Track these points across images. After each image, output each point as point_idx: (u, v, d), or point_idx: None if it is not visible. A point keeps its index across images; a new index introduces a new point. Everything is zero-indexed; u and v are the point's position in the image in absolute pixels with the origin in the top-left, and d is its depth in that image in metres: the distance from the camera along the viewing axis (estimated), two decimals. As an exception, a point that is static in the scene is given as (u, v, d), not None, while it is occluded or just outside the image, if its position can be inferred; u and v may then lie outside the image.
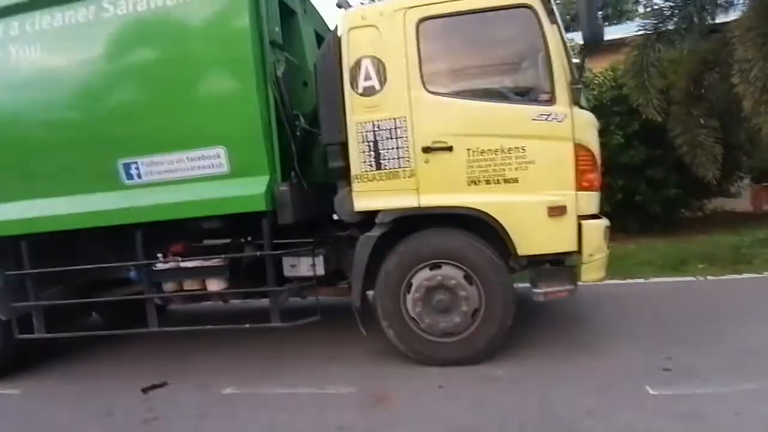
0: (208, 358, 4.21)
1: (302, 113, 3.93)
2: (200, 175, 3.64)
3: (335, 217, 3.89)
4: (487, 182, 3.32)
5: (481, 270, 3.37)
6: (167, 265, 3.87)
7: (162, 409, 3.33)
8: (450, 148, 3.31)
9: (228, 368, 3.94)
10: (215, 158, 3.62)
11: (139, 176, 3.71)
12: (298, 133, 3.83)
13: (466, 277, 3.40)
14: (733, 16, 7.02)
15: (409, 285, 3.47)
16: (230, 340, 4.38)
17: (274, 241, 3.69)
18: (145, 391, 3.61)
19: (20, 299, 3.96)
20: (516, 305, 3.47)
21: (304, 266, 3.81)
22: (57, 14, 3.69)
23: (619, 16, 19.52)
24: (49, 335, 4.05)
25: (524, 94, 3.50)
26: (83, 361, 4.51)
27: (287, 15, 3.98)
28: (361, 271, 3.48)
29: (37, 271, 3.95)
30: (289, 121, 3.73)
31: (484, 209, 3.33)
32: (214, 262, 3.81)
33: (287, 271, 3.87)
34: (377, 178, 3.44)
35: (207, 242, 4.13)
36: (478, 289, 3.39)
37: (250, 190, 3.53)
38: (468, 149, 3.30)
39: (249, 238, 3.96)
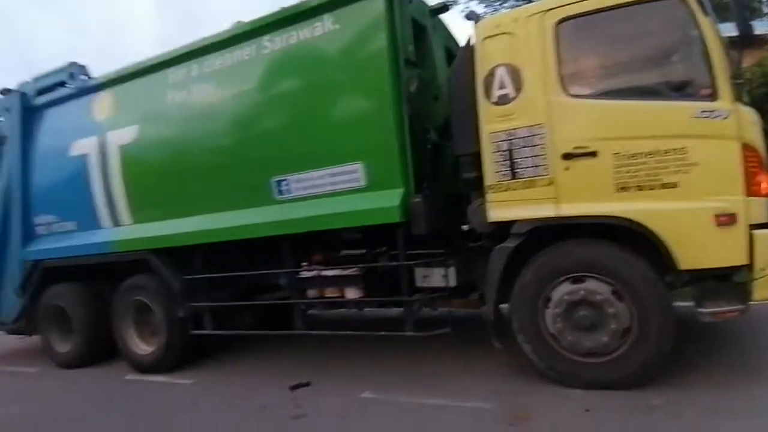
0: (346, 361, 4.46)
1: (433, 126, 4.02)
2: (340, 189, 3.91)
3: (467, 228, 3.88)
4: (639, 188, 3.03)
5: (633, 285, 3.07)
6: (311, 273, 4.21)
7: (308, 407, 3.59)
8: (594, 154, 3.10)
9: (365, 373, 4.12)
10: (353, 173, 3.87)
11: (288, 192, 4.12)
12: (429, 146, 3.93)
13: (615, 292, 3.12)
14: None
15: (548, 299, 3.29)
16: (366, 346, 4.58)
17: (408, 252, 3.80)
18: (292, 388, 3.94)
19: (194, 300, 4.62)
20: (675, 326, 3.09)
21: (436, 277, 3.86)
22: (227, 55, 4.32)
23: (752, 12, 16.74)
24: (215, 332, 4.66)
25: (679, 91, 3.16)
26: (241, 357, 5.08)
27: (418, 31, 4.14)
28: (495, 283, 3.40)
29: (207, 276, 4.59)
30: (421, 135, 3.85)
31: (637, 218, 3.03)
32: (352, 271, 4.04)
33: (420, 282, 3.95)
34: (512, 187, 3.36)
35: (345, 252, 4.42)
36: (629, 306, 3.09)
37: (386, 202, 3.69)
38: (615, 153, 3.05)
39: (383, 249, 4.14)
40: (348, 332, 4.11)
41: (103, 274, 5.33)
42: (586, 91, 3.28)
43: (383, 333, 3.89)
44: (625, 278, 3.09)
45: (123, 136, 4.91)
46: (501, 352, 3.56)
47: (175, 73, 4.63)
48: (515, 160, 3.33)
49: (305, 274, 4.21)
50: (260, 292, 4.85)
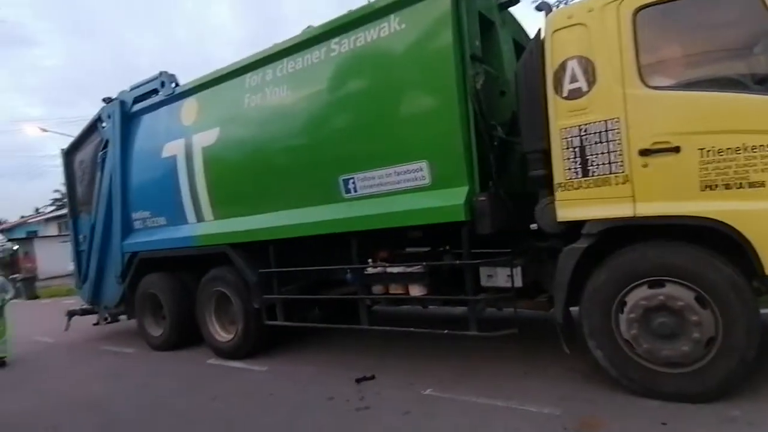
0: (409, 357, 4.52)
1: (499, 123, 3.94)
2: (405, 187, 3.96)
3: (534, 227, 3.76)
4: (727, 187, 2.77)
5: (719, 292, 2.82)
6: (376, 270, 4.31)
7: (372, 400, 3.70)
8: (676, 149, 2.88)
9: (427, 370, 4.15)
10: (418, 171, 3.90)
11: (355, 190, 4.24)
12: (495, 143, 3.85)
13: (698, 299, 2.89)
14: None
15: (623, 303, 3.12)
16: (429, 344, 4.61)
17: (473, 251, 3.76)
18: (358, 381, 4.06)
19: (267, 292, 4.91)
20: (761, 335, 2.82)
21: (501, 277, 3.79)
22: (299, 59, 4.53)
23: None
24: (287, 323, 4.91)
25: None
26: (310, 349, 5.32)
27: (486, 26, 4.07)
28: (565, 285, 3.27)
29: (280, 270, 4.85)
30: (488, 132, 3.79)
31: (723, 219, 2.78)
32: (416, 268, 4.08)
33: (484, 281, 3.90)
34: (583, 185, 3.21)
35: (409, 250, 4.47)
36: (714, 314, 2.85)
37: (451, 200, 3.68)
38: (701, 149, 2.81)
39: (448, 247, 4.13)
40: (411, 329, 4.14)
41: (190, 266, 5.82)
42: (668, 83, 3.04)
43: (446, 331, 3.89)
44: (711, 284, 2.85)
45: (206, 138, 5.32)
46: (569, 356, 3.43)
47: (251, 78, 4.93)
48: (587, 157, 3.18)
49: (370, 270, 4.31)
50: (329, 287, 5.04)
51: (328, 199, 4.41)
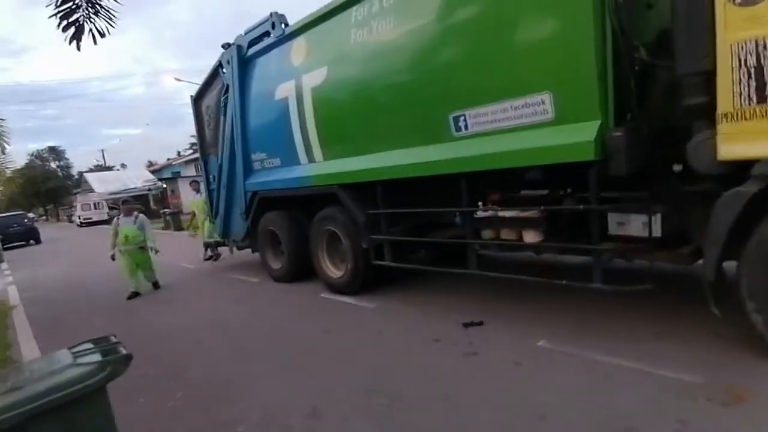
0: (521, 307, 4.30)
1: (642, 43, 3.27)
2: (524, 123, 3.55)
3: (678, 168, 3.16)
4: None
5: None
6: (486, 214, 4.05)
7: (480, 347, 3.59)
8: None
9: (540, 321, 3.90)
10: (539, 105, 3.45)
11: (466, 128, 3.93)
12: (636, 68, 3.23)
13: None
14: None
15: (798, 262, 2.52)
16: (542, 293, 4.33)
17: (601, 195, 3.31)
18: (465, 326, 3.97)
19: (375, 233, 4.94)
20: None
21: (635, 225, 3.31)
22: (406, -16, 4.16)
23: None
24: (394, 264, 4.95)
25: None
26: (417, 290, 5.35)
27: None
28: (722, 236, 2.73)
29: (387, 211, 4.83)
30: (628, 54, 3.17)
31: None
32: (532, 213, 3.74)
33: (613, 229, 3.45)
34: (757, 115, 2.56)
35: (525, 193, 4.11)
36: None
37: (578, 137, 3.21)
38: None
39: (569, 190, 3.71)
40: (524, 277, 3.87)
41: (303, 205, 6.09)
42: None
43: (565, 282, 3.56)
44: None
45: (314, 78, 5.30)
46: (711, 319, 2.94)
47: (357, 12, 4.70)
48: (767, 79, 2.50)
49: (481, 214, 4.07)
50: (436, 230, 4.91)
51: (437, 138, 4.17)
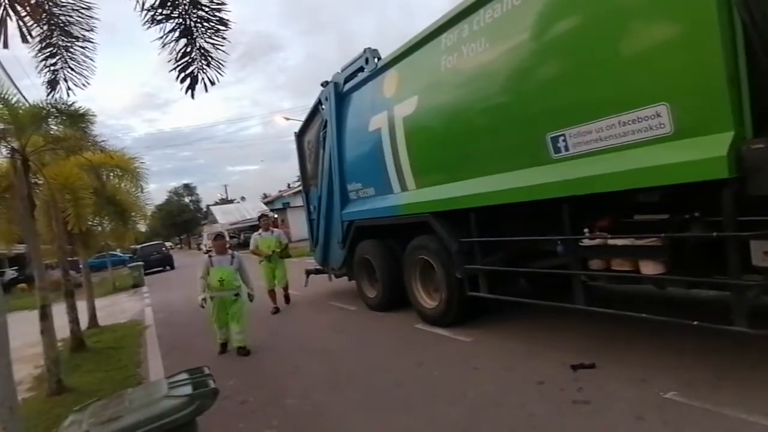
0: (640, 348, 3.75)
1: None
2: (635, 140, 3.15)
3: None
4: None
5: None
6: (594, 242, 3.63)
7: (592, 394, 3.16)
8: None
9: (667, 367, 3.35)
10: (654, 118, 3.04)
11: (566, 149, 3.60)
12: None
13: None
14: None
15: None
16: (667, 333, 3.74)
17: (738, 219, 2.78)
18: (574, 368, 3.55)
19: (469, 262, 4.71)
20: None
21: (788, 255, 2.71)
22: (497, 5, 4.02)
23: None
24: (490, 295, 4.65)
25: None
26: (516, 324, 4.98)
27: None
28: None
29: (482, 239, 4.59)
30: (765, 51, 2.67)
31: None
32: (651, 241, 3.27)
33: (758, 260, 2.85)
34: None
35: (639, 217, 3.63)
36: None
37: (706, 152, 2.75)
38: None
39: (696, 214, 3.18)
40: (644, 315, 3.35)
41: (397, 233, 6.07)
42: None
43: (696, 324, 3.01)
44: None
45: (406, 108, 5.34)
46: None
47: (447, 38, 4.66)
48: None
49: (587, 242, 3.66)
50: (535, 259, 4.54)
51: (533, 161, 3.89)
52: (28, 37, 3.42)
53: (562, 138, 3.60)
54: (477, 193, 4.49)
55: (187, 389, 1.86)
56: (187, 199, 63.41)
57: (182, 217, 55.28)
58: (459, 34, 4.50)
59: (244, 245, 19.08)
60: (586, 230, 3.70)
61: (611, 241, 3.52)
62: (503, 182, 4.21)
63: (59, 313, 5.78)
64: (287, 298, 8.24)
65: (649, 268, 3.37)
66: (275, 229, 7.97)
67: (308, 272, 8.78)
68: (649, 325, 3.62)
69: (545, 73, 3.74)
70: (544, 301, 4.27)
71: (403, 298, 5.99)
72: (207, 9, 3.46)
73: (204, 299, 5.66)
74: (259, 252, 7.84)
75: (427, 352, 4.62)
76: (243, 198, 62.05)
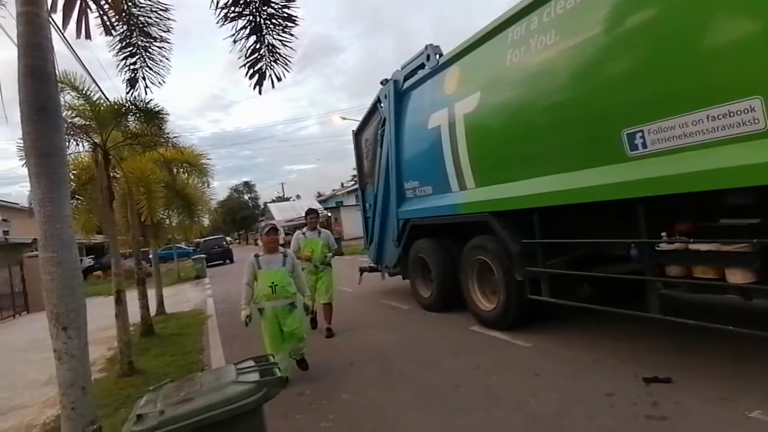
0: (720, 363, 3.44)
1: None
2: (725, 136, 2.89)
3: None
4: None
5: None
6: (673, 246, 3.37)
7: (668, 410, 2.93)
8: None
9: (752, 385, 3.05)
10: (746, 113, 2.78)
11: (644, 146, 3.37)
12: None
13: None
14: None
15: None
16: (751, 348, 3.40)
17: None
18: (647, 381, 3.31)
19: (531, 264, 4.53)
20: None
21: None
22: (568, -6, 3.84)
23: None
24: (552, 300, 4.44)
25: None
26: (580, 331, 4.73)
27: None
28: None
29: (545, 241, 4.39)
30: None
31: None
32: (741, 247, 2.98)
33: None
34: None
35: (725, 222, 3.33)
36: None
37: (812, 149, 2.47)
38: None
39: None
40: (730, 328, 3.05)
41: (454, 233, 5.96)
42: None
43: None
44: None
45: (467, 105, 5.22)
46: None
47: (514, 31, 4.51)
48: None
49: (665, 246, 3.40)
50: (603, 263, 4.29)
51: (606, 159, 3.67)
52: (111, 30, 3.65)
53: (640, 134, 3.37)
54: (541, 192, 4.30)
55: (255, 376, 1.89)
56: (246, 197, 66.11)
57: (241, 214, 57.85)
58: (527, 26, 4.34)
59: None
60: (663, 234, 3.45)
61: (693, 246, 3.25)
62: (571, 181, 4.00)
63: (131, 299, 6.16)
64: (328, 321, 6.10)
65: (737, 277, 3.08)
66: (323, 230, 6.29)
67: (362, 270, 8.83)
68: (731, 339, 3.31)
69: (623, 64, 3.52)
70: (612, 308, 4.01)
71: (458, 298, 5.87)
72: (276, 6, 3.55)
73: (248, 316, 4.23)
74: (300, 255, 5.80)
75: (484, 355, 4.49)
76: (298, 196, 63.82)
